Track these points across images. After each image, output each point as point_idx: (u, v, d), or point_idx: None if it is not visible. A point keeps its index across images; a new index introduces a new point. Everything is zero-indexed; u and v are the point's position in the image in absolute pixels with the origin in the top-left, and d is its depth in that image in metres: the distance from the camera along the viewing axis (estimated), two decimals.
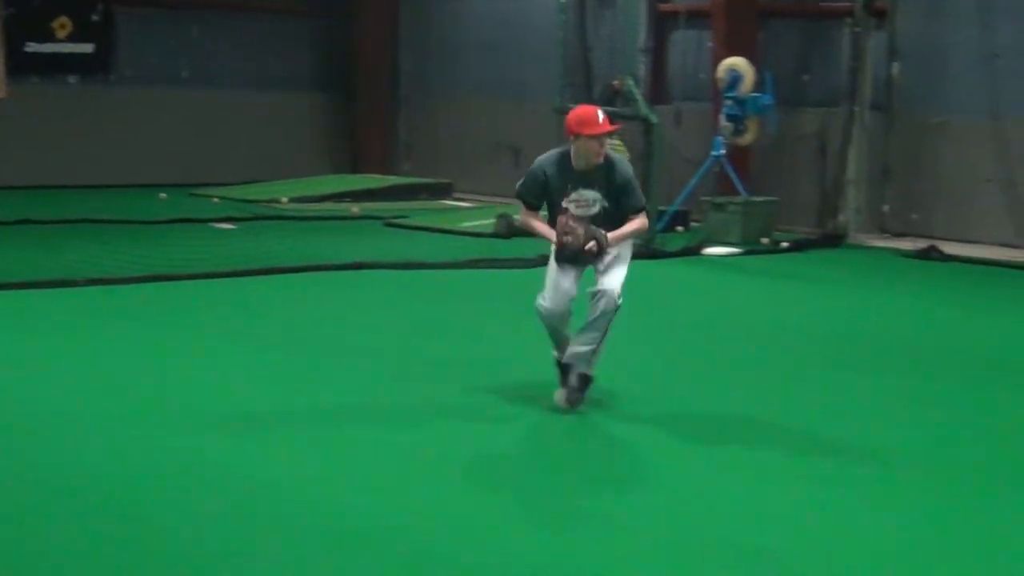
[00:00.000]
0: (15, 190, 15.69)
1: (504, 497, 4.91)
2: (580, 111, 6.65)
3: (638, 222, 6.52)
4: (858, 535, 4.55)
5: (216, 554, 3.99)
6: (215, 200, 15.13)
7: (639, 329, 8.37)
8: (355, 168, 18.51)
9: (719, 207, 13.38)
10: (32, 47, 17.03)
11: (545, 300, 6.31)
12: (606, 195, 6.39)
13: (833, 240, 13.70)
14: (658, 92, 16.29)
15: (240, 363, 7.05)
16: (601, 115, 6.51)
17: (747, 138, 13.65)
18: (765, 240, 13.16)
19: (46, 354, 7.07)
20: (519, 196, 6.70)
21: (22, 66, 16.80)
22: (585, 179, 6.41)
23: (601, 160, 6.41)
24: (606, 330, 6.27)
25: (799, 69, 15.44)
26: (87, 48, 17.25)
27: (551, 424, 6.04)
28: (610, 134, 6.64)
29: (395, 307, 9.35)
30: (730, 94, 13.43)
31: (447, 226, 13.93)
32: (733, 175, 13.65)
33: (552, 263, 6.41)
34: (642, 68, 16.06)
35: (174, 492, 4.55)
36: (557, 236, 6.29)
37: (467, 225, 13.74)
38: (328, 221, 14.28)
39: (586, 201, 6.45)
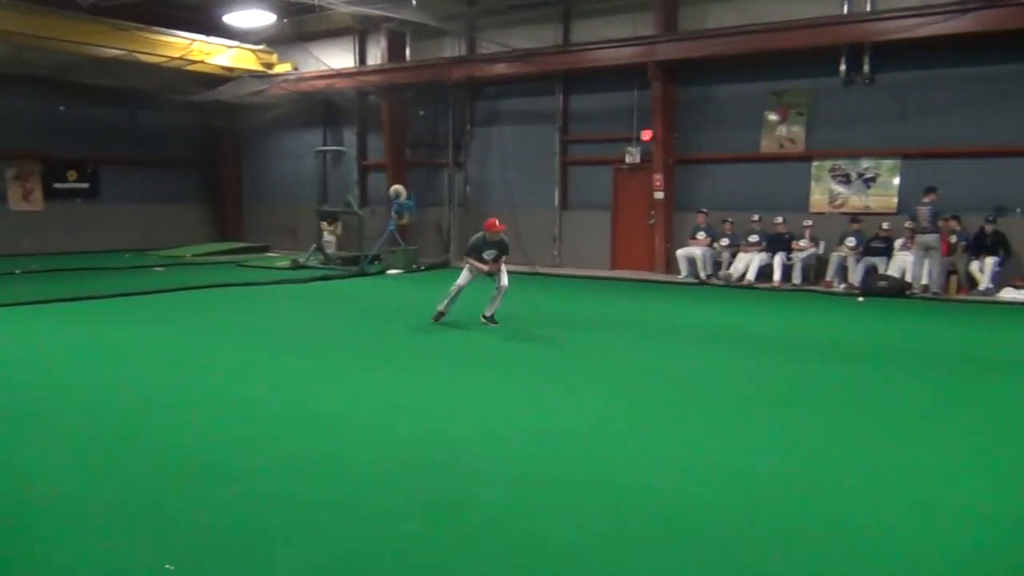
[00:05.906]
0: None
1: None
2: (491, 221, 9.78)
3: (504, 258, 9.76)
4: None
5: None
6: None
7: (358, 310, 11.81)
8: (226, 237, 24.02)
9: (393, 252, 18.06)
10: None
11: (462, 281, 9.61)
12: (498, 250, 9.76)
13: (443, 265, 18.41)
14: (364, 200, 21.61)
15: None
16: (498, 222, 9.57)
17: (404, 221, 18.75)
18: (414, 266, 17.70)
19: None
20: (468, 251, 9.70)
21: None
22: (492, 244, 9.77)
23: (498, 237, 9.62)
24: (501, 299, 9.65)
25: (426, 188, 20.69)
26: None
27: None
28: (500, 232, 9.60)
29: (241, 306, 11.97)
30: (396, 200, 18.26)
31: (268, 265, 18.59)
32: (399, 237, 18.41)
33: (466, 271, 9.59)
34: (356, 190, 21.28)
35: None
36: (486, 268, 9.48)
37: (279, 264, 18.57)
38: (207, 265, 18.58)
39: (492, 252, 9.71)
